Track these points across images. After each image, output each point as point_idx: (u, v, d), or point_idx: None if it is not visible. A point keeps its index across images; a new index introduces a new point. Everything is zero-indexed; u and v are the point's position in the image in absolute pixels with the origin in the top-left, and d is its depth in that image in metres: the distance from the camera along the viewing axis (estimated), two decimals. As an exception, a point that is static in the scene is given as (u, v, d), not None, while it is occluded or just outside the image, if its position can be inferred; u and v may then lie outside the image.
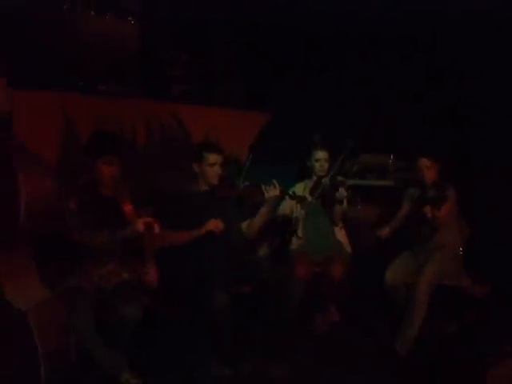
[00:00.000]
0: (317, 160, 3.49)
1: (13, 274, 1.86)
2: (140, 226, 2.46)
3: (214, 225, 2.80)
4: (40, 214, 1.89)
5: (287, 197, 3.18)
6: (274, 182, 2.94)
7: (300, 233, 3.49)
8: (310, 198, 3.33)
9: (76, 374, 2.16)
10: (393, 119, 3.96)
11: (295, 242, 3.52)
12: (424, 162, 3.29)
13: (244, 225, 3.12)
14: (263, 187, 2.91)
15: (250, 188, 2.96)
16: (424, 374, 2.78)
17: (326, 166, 3.48)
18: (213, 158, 2.96)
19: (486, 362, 2.35)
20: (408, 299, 3.08)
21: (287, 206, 3.44)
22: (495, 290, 3.33)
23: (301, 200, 3.28)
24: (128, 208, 2.71)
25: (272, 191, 2.91)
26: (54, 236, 2.25)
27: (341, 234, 3.54)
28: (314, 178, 3.50)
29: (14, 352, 1.81)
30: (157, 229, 2.47)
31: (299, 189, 3.50)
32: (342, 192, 3.20)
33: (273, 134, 4.32)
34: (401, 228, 3.40)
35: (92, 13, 3.91)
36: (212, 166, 2.97)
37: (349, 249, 3.52)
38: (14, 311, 1.79)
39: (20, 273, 1.91)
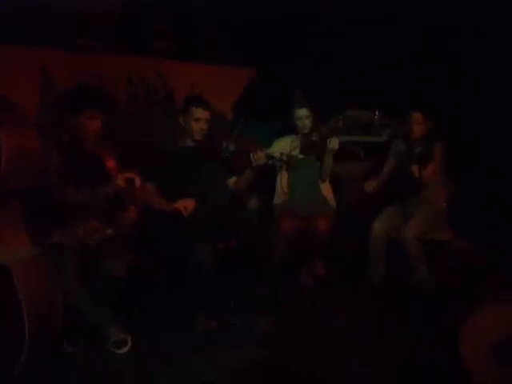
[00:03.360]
0: (298, 118, 3.45)
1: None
2: (121, 181, 2.44)
3: (183, 204, 2.78)
4: (23, 170, 1.87)
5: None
6: (262, 149, 2.94)
7: (286, 189, 3.51)
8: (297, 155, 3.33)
9: (63, 331, 2.17)
10: (379, 74, 3.91)
11: (280, 198, 3.54)
12: (416, 116, 3.30)
13: (231, 181, 3.13)
14: (251, 155, 2.89)
15: (237, 155, 2.93)
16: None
17: (308, 122, 3.44)
18: (199, 112, 2.93)
19: (464, 313, 2.41)
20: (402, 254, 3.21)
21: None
22: (477, 245, 3.40)
23: (286, 162, 3.26)
24: (111, 164, 2.68)
25: (259, 159, 2.90)
26: (38, 192, 2.23)
27: (326, 190, 3.55)
28: (299, 136, 3.48)
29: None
30: (138, 183, 2.45)
31: (285, 144, 3.47)
32: (334, 141, 3.23)
33: (258, 90, 4.26)
34: (387, 183, 3.43)
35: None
36: (197, 121, 2.94)
37: (334, 204, 3.54)
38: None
39: (6, 227, 1.90)
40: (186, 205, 2.78)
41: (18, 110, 1.97)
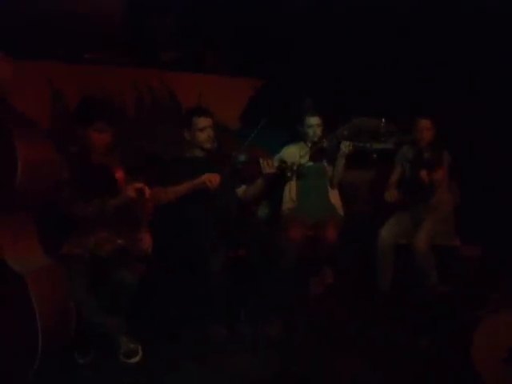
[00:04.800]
0: (309, 126, 3.47)
1: (13, 237, 1.89)
2: (131, 192, 2.45)
3: (208, 177, 2.76)
4: (39, 181, 1.92)
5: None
6: (272, 158, 2.96)
7: (294, 196, 3.52)
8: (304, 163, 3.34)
9: (75, 339, 2.19)
10: (385, 81, 3.92)
11: (289, 205, 3.55)
12: (425, 123, 3.32)
13: (240, 190, 3.14)
14: (261, 161, 2.89)
15: (248, 164, 2.94)
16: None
17: (319, 131, 3.47)
18: (202, 121, 2.94)
19: (473, 319, 2.41)
20: (411, 260, 3.21)
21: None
22: (485, 251, 3.39)
23: (297, 172, 3.26)
24: (120, 175, 2.70)
25: (269, 168, 2.90)
26: (50, 204, 2.26)
27: (334, 197, 3.56)
28: (308, 144, 3.49)
29: (11, 317, 1.83)
30: (148, 194, 2.47)
31: (294, 152, 3.47)
32: (347, 145, 3.28)
33: (264, 100, 4.28)
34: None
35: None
36: (202, 131, 2.95)
37: (341, 212, 3.55)
38: (12, 275, 1.82)
39: (20, 237, 1.94)
40: (212, 178, 2.77)
41: (33, 123, 2.02)
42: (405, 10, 3.74)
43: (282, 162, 3.06)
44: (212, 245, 2.68)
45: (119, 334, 2.53)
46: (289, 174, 3.23)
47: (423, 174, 3.15)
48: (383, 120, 3.90)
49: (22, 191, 1.83)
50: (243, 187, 3.13)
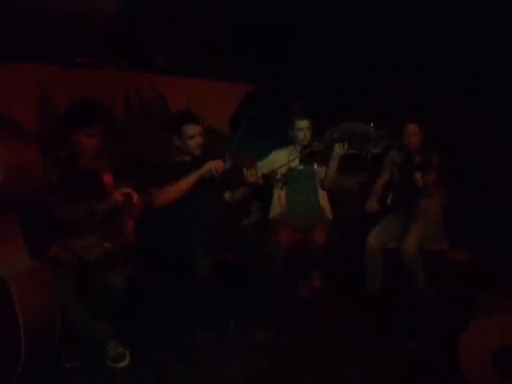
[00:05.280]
0: (299, 129, 3.48)
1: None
2: (118, 196, 2.46)
3: (213, 165, 2.76)
4: (23, 184, 1.91)
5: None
6: (256, 167, 2.93)
7: (283, 200, 3.52)
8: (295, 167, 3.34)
9: (62, 343, 2.17)
10: (374, 86, 3.95)
11: (277, 209, 3.55)
12: (412, 128, 3.34)
13: (227, 194, 3.14)
14: (244, 170, 2.87)
15: (232, 172, 2.93)
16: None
17: (308, 134, 3.48)
18: (192, 129, 2.92)
19: (461, 323, 2.42)
20: (400, 263, 3.21)
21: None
22: (474, 255, 3.41)
23: (282, 180, 3.25)
24: (108, 179, 2.70)
25: (252, 177, 2.87)
26: (37, 207, 2.26)
27: (323, 201, 3.57)
28: (298, 147, 3.50)
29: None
30: (135, 199, 2.47)
31: (283, 156, 3.45)
32: (339, 147, 3.30)
33: (254, 104, 4.28)
34: (383, 194, 3.46)
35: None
36: (192, 138, 2.93)
37: (330, 216, 3.55)
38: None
39: (3, 240, 1.92)
40: (216, 165, 2.76)
41: (18, 126, 2.01)
42: (398, 13, 3.76)
43: (263, 175, 2.98)
44: (200, 246, 2.68)
45: (107, 339, 2.52)
46: (274, 183, 3.24)
47: (417, 175, 3.16)
48: (371, 124, 3.93)
49: (6, 194, 1.82)
50: (228, 194, 3.13)
